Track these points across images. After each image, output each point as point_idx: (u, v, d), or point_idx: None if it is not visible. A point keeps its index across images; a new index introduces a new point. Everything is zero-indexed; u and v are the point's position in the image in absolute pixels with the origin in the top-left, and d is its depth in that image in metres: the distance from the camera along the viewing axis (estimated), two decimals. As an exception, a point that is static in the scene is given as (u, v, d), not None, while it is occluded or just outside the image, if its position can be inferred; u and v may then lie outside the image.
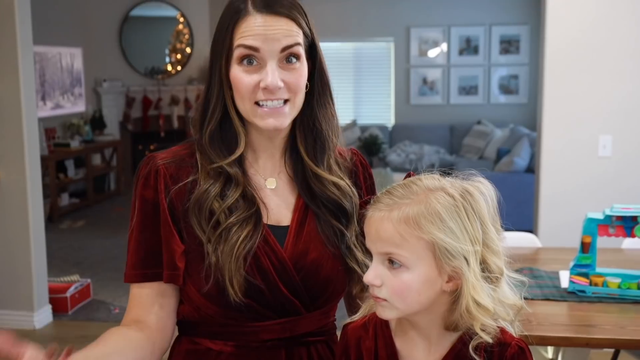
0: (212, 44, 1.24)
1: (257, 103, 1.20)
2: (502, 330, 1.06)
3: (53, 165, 7.03)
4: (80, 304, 4.52)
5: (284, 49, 1.18)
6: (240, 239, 1.18)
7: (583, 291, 2.13)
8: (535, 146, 6.71)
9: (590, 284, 2.13)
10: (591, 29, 3.57)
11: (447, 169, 1.11)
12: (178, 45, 9.27)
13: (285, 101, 1.21)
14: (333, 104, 1.31)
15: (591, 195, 3.55)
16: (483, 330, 1.01)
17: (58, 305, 4.34)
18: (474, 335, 1.03)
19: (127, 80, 8.78)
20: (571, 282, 2.15)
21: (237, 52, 1.18)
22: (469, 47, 8.95)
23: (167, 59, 9.28)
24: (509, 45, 8.88)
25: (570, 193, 3.60)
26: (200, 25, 9.30)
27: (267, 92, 1.18)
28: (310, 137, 1.29)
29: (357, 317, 1.18)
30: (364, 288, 1.29)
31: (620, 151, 3.60)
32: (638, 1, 3.52)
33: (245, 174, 1.26)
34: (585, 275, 2.13)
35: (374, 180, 1.42)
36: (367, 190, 1.37)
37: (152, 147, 9.19)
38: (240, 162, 1.26)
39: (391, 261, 1.02)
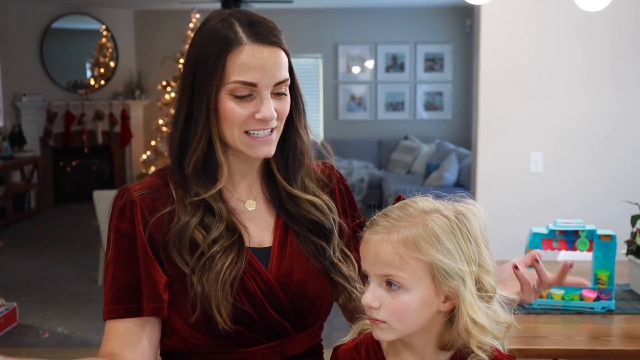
0: (194, 70, 1.20)
1: (246, 132, 1.19)
2: (493, 348, 1.08)
3: (-30, 183, 6.72)
4: (6, 329, 4.32)
5: (278, 83, 1.18)
6: (225, 266, 1.17)
7: (529, 304, 2.21)
8: (462, 161, 6.93)
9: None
10: (522, 51, 3.74)
11: (438, 192, 1.12)
12: (101, 59, 9.06)
13: (272, 129, 1.22)
14: (306, 125, 1.32)
15: (524, 209, 3.70)
16: (480, 348, 1.04)
17: (-18, 330, 4.14)
18: (468, 354, 1.05)
19: (48, 95, 8.50)
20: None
21: (232, 86, 1.16)
22: (395, 65, 9.16)
23: (90, 73, 9.05)
24: (433, 63, 9.13)
25: (504, 207, 3.74)
26: (125, 39, 9.13)
27: (262, 122, 1.18)
28: (284, 159, 1.29)
29: (347, 339, 1.18)
30: (351, 298, 1.31)
31: (550, 167, 3.77)
32: (567, 25, 3.70)
33: (223, 199, 1.25)
34: (531, 288, 2.21)
35: (351, 192, 1.42)
36: (348, 204, 1.38)
37: (74, 164, 8.93)
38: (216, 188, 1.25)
39: (389, 283, 1.03)
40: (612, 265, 2.14)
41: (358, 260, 1.32)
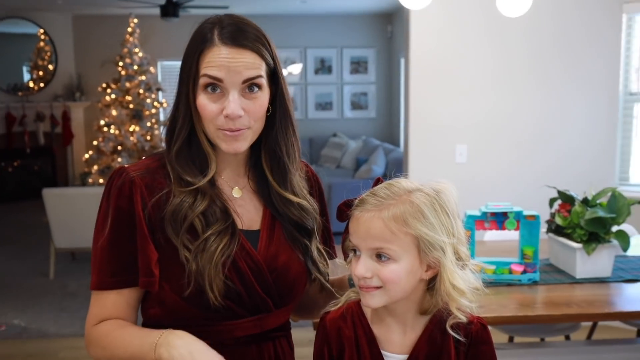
0: (180, 68, 1.24)
1: (219, 128, 1.21)
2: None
3: None
4: (-39, 324, 4.17)
5: (245, 81, 1.19)
6: (220, 248, 1.19)
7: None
8: (388, 155, 7.07)
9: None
10: (448, 53, 3.85)
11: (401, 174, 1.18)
12: (40, 62, 8.74)
13: (244, 128, 1.22)
14: (294, 129, 1.32)
15: (451, 196, 3.82)
16: (458, 309, 1.10)
17: (-62, 326, 3.97)
18: (446, 317, 1.12)
19: (-12, 97, 8.15)
20: (455, 270, 2.32)
21: (202, 80, 1.19)
22: (324, 67, 9.23)
23: (29, 76, 8.72)
24: (358, 66, 9.26)
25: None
26: (63, 42, 8.84)
27: (229, 120, 1.19)
28: (274, 160, 1.30)
29: (333, 308, 1.22)
30: (322, 290, 1.36)
31: (474, 158, 3.90)
32: (488, 29, 3.83)
33: (214, 185, 1.27)
34: (466, 264, 2.31)
35: (322, 189, 1.45)
36: (318, 200, 1.40)
37: (16, 164, 8.60)
38: (207, 175, 1.27)
39: (379, 255, 1.08)
40: (536, 242, 2.25)
41: (331, 255, 1.39)
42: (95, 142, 7.59)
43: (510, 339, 2.95)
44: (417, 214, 1.07)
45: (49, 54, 8.74)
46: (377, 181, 1.17)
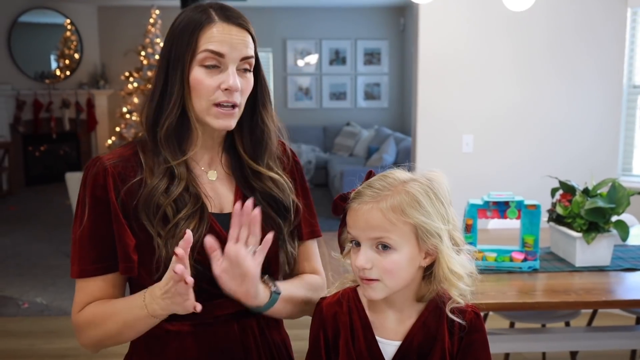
0: (170, 48, 1.20)
1: (214, 104, 1.19)
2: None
3: (-56, 167, 6.45)
4: (-13, 300, 4.22)
5: (243, 58, 1.19)
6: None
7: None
8: (399, 144, 7.03)
9: (472, 259, 2.28)
10: (455, 45, 3.80)
11: (405, 165, 1.15)
12: (66, 51, 8.78)
13: (234, 105, 1.21)
14: (273, 110, 1.32)
15: (456, 185, 3.77)
16: (458, 294, 1.09)
17: (-35, 303, 4.02)
18: (444, 302, 1.10)
19: (16, 84, 8.20)
20: (457, 257, 2.29)
21: (202, 56, 1.17)
22: (338, 58, 9.18)
23: (56, 64, 8.76)
24: (371, 57, 9.19)
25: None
26: (89, 32, 8.87)
27: (228, 92, 1.18)
28: (252, 138, 1.28)
29: (330, 293, 1.20)
30: (291, 273, 1.32)
31: (480, 148, 3.86)
32: (495, 22, 3.78)
33: (188, 168, 1.24)
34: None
35: (302, 167, 1.41)
36: (292, 177, 1.36)
37: (42, 149, 8.66)
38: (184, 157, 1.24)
39: (379, 246, 1.06)
40: (537, 230, 2.23)
41: (302, 237, 1.34)
42: (117, 129, 7.62)
43: (512, 325, 2.92)
44: (414, 203, 1.06)
45: (75, 43, 8.78)
46: (369, 174, 1.15)
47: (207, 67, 1.18)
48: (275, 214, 1.28)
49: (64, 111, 8.52)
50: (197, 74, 1.18)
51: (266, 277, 1.22)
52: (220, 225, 1.23)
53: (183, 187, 1.20)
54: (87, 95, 8.71)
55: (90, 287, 1.21)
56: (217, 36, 1.17)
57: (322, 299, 1.20)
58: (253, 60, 1.22)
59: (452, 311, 1.11)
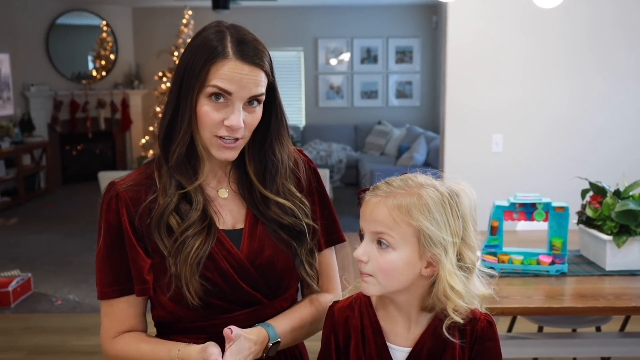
0: (183, 72, 1.20)
1: (216, 136, 1.19)
2: (472, 310, 1.09)
3: (-16, 165, 6.62)
4: (22, 297, 4.29)
5: (251, 97, 1.18)
6: (194, 247, 1.18)
7: (492, 268, 2.21)
8: (430, 143, 6.95)
9: (498, 262, 2.23)
10: (485, 44, 3.74)
11: (435, 171, 1.12)
12: (102, 52, 8.93)
13: (238, 138, 1.21)
14: (288, 138, 1.30)
15: (486, 185, 3.72)
16: (455, 312, 1.05)
17: (0, 299, 4.11)
18: (446, 316, 1.07)
19: (54, 85, 8.37)
20: (482, 260, 2.25)
21: (210, 90, 1.16)
22: (369, 57, 9.12)
23: (92, 65, 8.92)
24: (403, 56, 9.11)
25: (469, 183, 3.75)
26: (124, 33, 9.01)
27: (230, 130, 1.18)
28: (261, 164, 1.28)
29: (342, 297, 1.19)
30: (312, 291, 1.32)
31: (509, 147, 3.79)
32: (523, 20, 3.71)
33: (200, 187, 1.25)
34: (494, 254, 2.23)
35: (318, 174, 1.39)
36: (309, 184, 1.35)
37: (79, 148, 8.83)
38: (196, 179, 1.26)
39: (380, 242, 1.05)
40: (565, 233, 2.17)
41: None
42: (151, 128, 7.72)
43: (540, 329, 2.85)
44: (422, 208, 1.03)
45: (110, 44, 8.92)
46: (403, 174, 1.13)
47: (213, 100, 1.17)
48: (288, 237, 1.28)
49: (100, 111, 8.67)
50: (204, 107, 1.18)
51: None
52: (231, 242, 1.24)
53: (194, 207, 1.22)
54: (122, 95, 8.84)
55: (112, 310, 1.26)
56: (228, 73, 1.16)
57: (335, 302, 1.19)
58: (263, 97, 1.21)
59: (452, 326, 1.07)
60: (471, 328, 1.09)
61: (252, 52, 1.18)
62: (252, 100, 1.19)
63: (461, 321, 1.06)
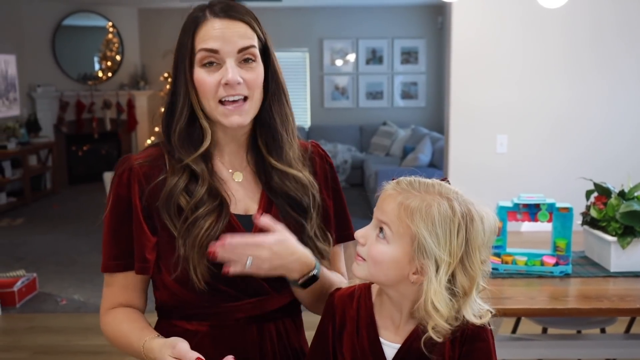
0: (175, 51, 1.22)
1: (220, 102, 1.18)
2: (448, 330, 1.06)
3: (-9, 166, 6.66)
4: (27, 297, 4.31)
5: (240, 50, 1.17)
6: (204, 229, 1.17)
7: (496, 269, 2.22)
8: (435, 144, 6.94)
9: (502, 263, 2.22)
10: (489, 44, 3.73)
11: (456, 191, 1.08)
12: (108, 53, 8.95)
13: (245, 98, 1.19)
14: (288, 103, 1.28)
15: (491, 185, 3.71)
16: (434, 329, 1.03)
17: (6, 299, 4.12)
18: (425, 331, 1.05)
19: (60, 86, 8.40)
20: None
21: (199, 56, 1.17)
22: (375, 58, 9.12)
23: (98, 66, 8.94)
24: (408, 56, 9.10)
25: (473, 184, 3.74)
26: (130, 35, 9.03)
27: (228, 87, 1.17)
28: (268, 134, 1.26)
29: (346, 285, 1.19)
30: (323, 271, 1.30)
31: (514, 148, 3.77)
32: (527, 20, 3.70)
33: (211, 168, 1.24)
34: (498, 255, 2.22)
35: (334, 170, 1.39)
36: (324, 178, 1.35)
37: (85, 148, 8.85)
38: (207, 158, 1.24)
39: (381, 231, 1.06)
40: (569, 234, 2.16)
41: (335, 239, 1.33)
42: (157, 129, 7.69)
43: (544, 330, 2.83)
44: (427, 217, 1.02)
45: (116, 45, 8.94)
46: (443, 179, 1.12)
47: (206, 66, 1.18)
48: (295, 214, 1.26)
49: (106, 112, 8.69)
50: (199, 74, 1.18)
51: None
52: (243, 228, 1.22)
53: (203, 186, 1.20)
54: (128, 96, 8.86)
55: (113, 283, 1.26)
56: (209, 33, 1.17)
57: (337, 290, 1.20)
58: (255, 50, 1.19)
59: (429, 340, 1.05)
60: (462, 327, 1.07)
61: (228, 8, 1.19)
62: (245, 57, 1.18)
63: (440, 340, 1.04)
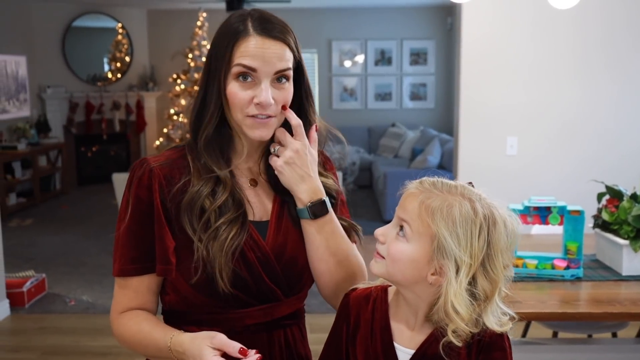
0: (210, 58, 1.22)
1: (248, 115, 1.20)
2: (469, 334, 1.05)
3: (1, 166, 6.68)
4: (36, 297, 4.32)
5: (277, 72, 1.19)
6: (230, 237, 1.18)
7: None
8: (444, 146, 6.91)
9: (512, 266, 2.20)
10: (499, 45, 3.71)
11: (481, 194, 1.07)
12: (118, 54, 8.99)
13: (269, 116, 1.21)
14: (315, 116, 1.31)
15: (501, 188, 3.66)
16: (454, 333, 1.02)
17: (15, 299, 4.14)
18: (444, 335, 1.04)
19: (70, 87, 8.44)
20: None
21: (236, 69, 1.18)
22: (383, 59, 9.10)
23: (107, 67, 8.98)
24: (417, 57, 9.08)
25: (483, 186, 3.71)
26: (139, 36, 9.06)
27: (260, 107, 1.18)
28: None
29: (362, 285, 1.18)
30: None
31: (524, 150, 3.75)
32: (538, 22, 3.67)
33: (232, 174, 1.25)
34: (508, 258, 2.21)
35: (335, 173, 1.43)
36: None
37: (94, 149, 8.89)
38: (229, 164, 1.26)
39: (401, 229, 1.05)
40: (580, 237, 2.14)
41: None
42: (165, 130, 7.75)
43: (555, 335, 2.81)
44: (447, 217, 1.01)
45: (125, 46, 8.98)
46: (469, 183, 1.11)
47: (241, 80, 1.18)
48: None
49: (115, 113, 8.72)
50: (233, 87, 1.19)
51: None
52: (258, 234, 1.23)
53: (227, 193, 1.22)
54: (137, 97, 8.89)
55: (127, 287, 1.25)
56: (251, 50, 1.17)
57: (353, 290, 1.19)
58: (290, 72, 1.21)
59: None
60: (479, 335, 1.06)
61: (273, 27, 1.19)
62: (279, 76, 1.19)
63: (460, 344, 1.03)
